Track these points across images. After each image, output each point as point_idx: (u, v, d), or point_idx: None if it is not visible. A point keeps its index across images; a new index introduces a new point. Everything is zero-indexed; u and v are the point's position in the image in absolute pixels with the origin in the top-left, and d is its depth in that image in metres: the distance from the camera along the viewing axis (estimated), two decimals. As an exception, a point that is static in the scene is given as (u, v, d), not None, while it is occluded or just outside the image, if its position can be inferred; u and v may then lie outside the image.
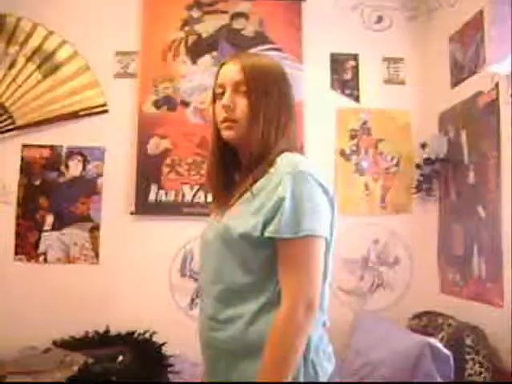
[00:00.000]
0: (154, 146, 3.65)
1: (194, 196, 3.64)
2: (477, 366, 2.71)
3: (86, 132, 3.61)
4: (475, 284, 3.09)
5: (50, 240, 3.53)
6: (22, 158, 3.55)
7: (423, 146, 3.58)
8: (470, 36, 3.22)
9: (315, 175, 1.42)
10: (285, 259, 1.37)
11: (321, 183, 1.42)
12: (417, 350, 2.70)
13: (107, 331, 3.36)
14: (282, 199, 1.36)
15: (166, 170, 3.64)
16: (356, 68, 3.83)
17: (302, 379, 1.38)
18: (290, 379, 1.33)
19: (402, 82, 3.84)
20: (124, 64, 3.69)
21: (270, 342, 1.34)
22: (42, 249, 3.52)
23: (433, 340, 2.76)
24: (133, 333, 3.36)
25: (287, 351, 1.32)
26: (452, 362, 2.68)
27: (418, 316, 3.38)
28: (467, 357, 2.73)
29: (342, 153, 3.74)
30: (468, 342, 2.77)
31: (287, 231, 1.35)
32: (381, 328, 3.17)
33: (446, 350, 2.70)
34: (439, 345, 2.72)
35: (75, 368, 2.97)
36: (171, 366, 3.23)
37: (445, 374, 2.67)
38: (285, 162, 1.44)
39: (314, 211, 1.36)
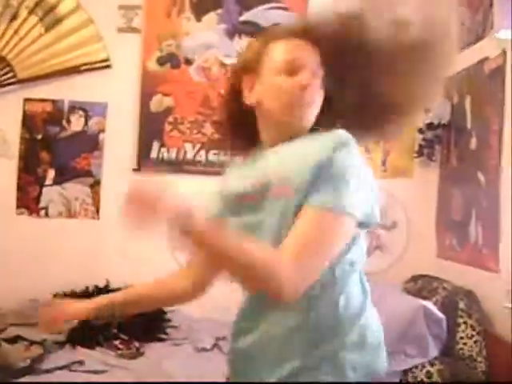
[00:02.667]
0: (157, 103, 3.64)
1: (195, 154, 3.64)
2: (469, 329, 2.76)
3: (89, 87, 3.59)
4: (472, 249, 3.12)
5: (51, 194, 3.55)
6: (24, 112, 3.55)
7: (426, 110, 3.56)
8: (479, 1, 3.17)
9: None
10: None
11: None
12: (411, 313, 2.75)
13: (107, 286, 3.41)
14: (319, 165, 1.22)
15: (168, 127, 3.64)
16: (362, 29, 3.78)
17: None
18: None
19: (408, 45, 3.79)
20: (128, 18, 3.64)
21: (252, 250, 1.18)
22: (43, 203, 3.54)
23: (427, 303, 2.81)
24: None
25: (243, 263, 1.17)
26: (445, 324, 2.74)
27: (414, 279, 3.42)
28: (460, 320, 2.78)
29: (344, 115, 3.72)
30: (461, 305, 2.81)
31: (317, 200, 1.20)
32: (376, 290, 3.21)
33: (439, 313, 2.75)
34: (433, 308, 2.77)
35: (75, 320, 3.03)
36: (170, 320, 3.30)
37: (437, 337, 2.73)
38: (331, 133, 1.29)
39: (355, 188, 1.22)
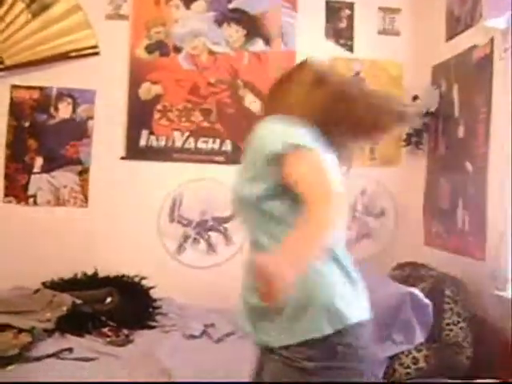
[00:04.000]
0: (146, 91, 3.63)
1: (184, 142, 3.64)
2: (455, 315, 2.79)
3: (77, 74, 3.57)
4: (458, 237, 3.15)
5: (39, 182, 3.53)
6: (11, 99, 3.52)
7: (415, 98, 3.58)
8: (468, -12, 3.17)
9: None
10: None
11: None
12: (398, 299, 2.77)
13: (96, 273, 3.41)
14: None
15: (157, 115, 3.63)
16: (351, 17, 3.78)
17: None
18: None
19: (397, 33, 3.79)
20: (116, 5, 3.61)
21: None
22: (31, 191, 3.53)
23: (413, 289, 2.83)
24: (122, 276, 3.41)
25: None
26: (431, 311, 2.76)
27: (401, 266, 3.44)
28: (446, 306, 2.80)
29: (333, 103, 3.72)
30: (448, 292, 2.84)
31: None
32: (364, 277, 3.24)
33: (425, 300, 2.77)
34: (420, 294, 2.79)
35: (64, 308, 3.04)
36: (159, 308, 3.31)
37: (424, 323, 2.75)
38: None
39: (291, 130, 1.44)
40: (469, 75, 3.14)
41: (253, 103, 3.65)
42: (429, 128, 3.57)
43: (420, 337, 2.74)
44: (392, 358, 2.71)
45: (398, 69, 3.75)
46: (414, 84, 3.68)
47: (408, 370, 2.67)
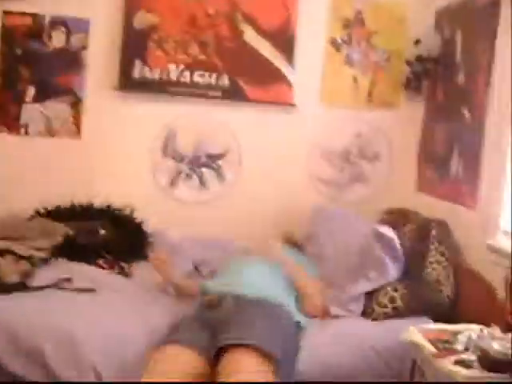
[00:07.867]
0: (141, 19, 3.51)
1: (179, 75, 3.56)
2: (438, 254, 2.86)
3: (71, 2, 3.44)
4: (451, 184, 3.17)
5: (31, 112, 3.47)
6: (3, 26, 3.39)
7: (417, 42, 3.52)
8: None
9: None
10: None
11: None
12: (364, 237, 2.89)
13: (91, 204, 3.41)
14: None
15: (152, 45, 3.52)
16: (355, -48, 3.65)
17: None
18: None
19: (402, -27, 3.68)
20: None
21: None
22: (23, 121, 3.47)
23: (378, 225, 2.91)
24: (113, 208, 3.43)
25: None
26: (397, 244, 2.82)
27: (392, 211, 3.49)
28: (431, 246, 2.87)
29: (333, 42, 3.65)
30: (433, 232, 2.91)
31: None
32: (339, 218, 3.35)
33: (389, 233, 2.83)
34: (384, 229, 2.86)
35: (59, 238, 3.05)
36: (151, 242, 3.35)
37: (395, 257, 2.82)
38: None
39: None
40: (473, 20, 3.07)
41: (253, 38, 3.55)
42: (429, 73, 3.52)
43: (394, 271, 2.81)
44: (370, 299, 2.77)
45: (401, 10, 3.64)
46: (417, 27, 3.59)
47: (385, 310, 2.71)
